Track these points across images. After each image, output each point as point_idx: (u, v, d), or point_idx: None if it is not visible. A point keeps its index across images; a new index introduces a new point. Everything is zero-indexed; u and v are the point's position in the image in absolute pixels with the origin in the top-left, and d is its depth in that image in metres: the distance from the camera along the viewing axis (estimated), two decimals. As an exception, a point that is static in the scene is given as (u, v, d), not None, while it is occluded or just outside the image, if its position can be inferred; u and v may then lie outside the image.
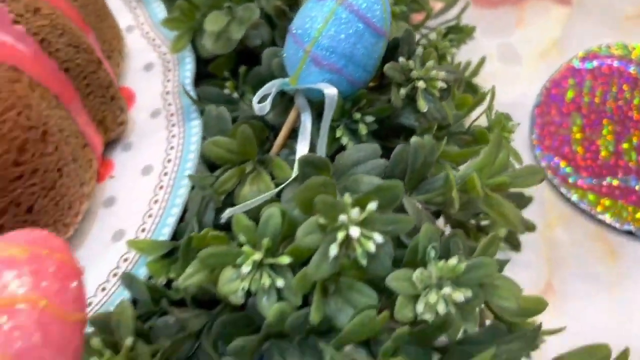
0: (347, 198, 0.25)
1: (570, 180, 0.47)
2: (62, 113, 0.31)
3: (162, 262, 0.31)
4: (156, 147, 0.36)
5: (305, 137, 0.31)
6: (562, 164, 0.48)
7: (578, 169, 0.48)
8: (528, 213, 0.38)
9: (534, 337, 0.29)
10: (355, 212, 0.25)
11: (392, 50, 0.32)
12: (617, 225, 0.45)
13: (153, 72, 0.40)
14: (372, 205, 0.25)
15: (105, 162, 0.36)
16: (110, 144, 0.37)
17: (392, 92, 0.31)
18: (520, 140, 0.50)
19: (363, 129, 0.31)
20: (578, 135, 0.50)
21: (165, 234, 0.32)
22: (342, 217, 0.25)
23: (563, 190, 0.47)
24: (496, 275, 0.28)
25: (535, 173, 0.28)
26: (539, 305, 0.31)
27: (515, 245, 0.42)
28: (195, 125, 0.36)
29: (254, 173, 0.32)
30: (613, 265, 0.44)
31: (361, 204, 0.25)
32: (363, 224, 0.25)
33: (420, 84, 0.30)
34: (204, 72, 0.40)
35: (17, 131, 0.27)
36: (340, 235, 0.25)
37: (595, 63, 0.55)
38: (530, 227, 0.42)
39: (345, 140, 0.32)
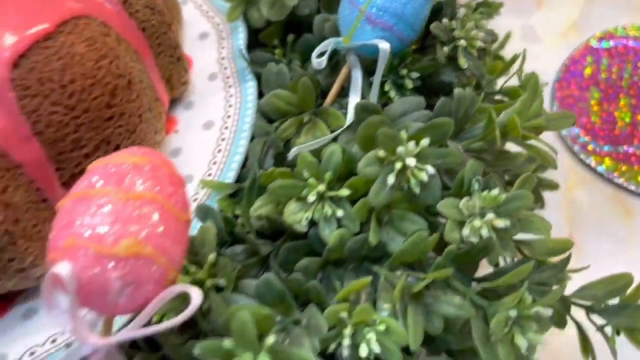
0: (403, 134, 0.29)
1: (589, 147, 0.51)
2: (140, 67, 0.34)
3: (229, 200, 0.35)
4: (215, 105, 0.40)
5: (356, 91, 0.35)
6: (582, 133, 0.52)
7: (596, 137, 0.52)
8: (550, 176, 0.42)
9: (563, 266, 0.32)
10: (411, 145, 0.28)
11: (435, 14, 0.35)
12: (633, 188, 0.48)
13: (208, 40, 0.44)
14: (425, 141, 0.29)
15: (170, 118, 0.40)
16: (172, 103, 0.41)
17: (437, 49, 0.34)
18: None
19: (409, 84, 0.35)
20: (596, 108, 0.54)
21: (230, 177, 0.36)
22: (400, 149, 0.28)
23: (582, 156, 0.50)
24: (530, 212, 0.32)
25: (568, 117, 0.31)
26: (565, 245, 0.34)
27: (540, 203, 0.45)
28: (251, 86, 0.40)
29: (309, 124, 0.35)
30: (629, 224, 0.47)
31: (415, 139, 0.29)
32: (417, 156, 0.29)
33: (462, 43, 0.34)
34: (253, 43, 0.44)
35: (109, 77, 0.31)
36: (398, 165, 0.28)
37: (611, 43, 0.59)
38: (553, 186, 0.45)
39: (392, 94, 0.35)
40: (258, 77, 0.41)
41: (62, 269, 0.20)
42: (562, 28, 0.60)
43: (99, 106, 0.30)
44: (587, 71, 0.56)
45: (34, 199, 0.29)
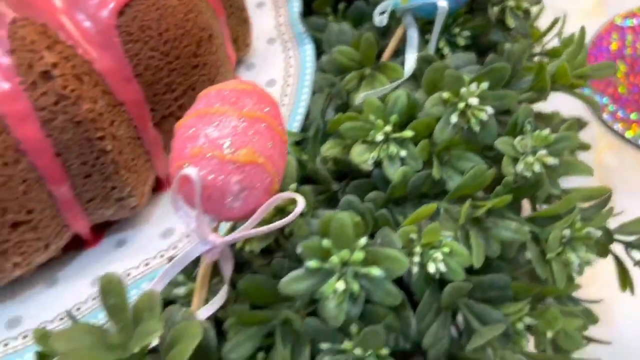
0: (466, 76, 0.32)
1: (618, 115, 0.54)
2: (217, 24, 0.38)
3: (296, 147, 0.38)
4: (276, 66, 0.43)
5: (413, 48, 0.38)
6: (609, 102, 0.55)
7: (623, 106, 0.55)
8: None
9: (603, 204, 0.35)
10: (473, 86, 0.32)
11: (485, -22, 0.39)
12: (659, 152, 0.52)
13: (264, 9, 0.48)
14: (484, 84, 0.32)
15: (234, 77, 0.43)
16: (235, 64, 0.44)
17: (488, 9, 0.37)
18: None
19: (461, 42, 0.38)
20: (623, 80, 0.57)
21: (294, 128, 0.39)
22: (463, 90, 0.32)
23: (611, 123, 0.54)
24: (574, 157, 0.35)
25: (610, 66, 0.34)
26: (602, 191, 0.37)
27: (573, 162, 0.48)
28: (309, 49, 0.43)
29: (369, 77, 0.39)
30: (656, 185, 0.51)
31: (476, 81, 0.32)
32: (478, 97, 0.32)
33: (510, 3, 0.37)
34: (305, 12, 0.47)
35: (196, 29, 0.34)
36: (461, 105, 0.32)
37: (635, 21, 0.62)
38: (586, 147, 0.48)
39: (445, 50, 0.38)
40: (314, 41, 0.44)
41: (191, 171, 0.24)
42: (589, 7, 0.64)
43: (187, 54, 0.34)
44: (613, 46, 0.60)
45: (132, 135, 0.33)
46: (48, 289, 0.33)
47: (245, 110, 0.25)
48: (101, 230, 0.36)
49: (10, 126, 0.28)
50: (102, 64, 0.31)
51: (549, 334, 0.32)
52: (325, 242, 0.25)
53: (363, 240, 0.26)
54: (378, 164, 0.34)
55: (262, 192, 0.25)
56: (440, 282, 0.31)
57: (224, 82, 0.27)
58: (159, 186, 0.37)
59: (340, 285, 0.25)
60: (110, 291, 0.22)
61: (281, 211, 0.32)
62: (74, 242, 0.35)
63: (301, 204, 0.25)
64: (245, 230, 0.25)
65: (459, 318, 0.32)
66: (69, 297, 0.33)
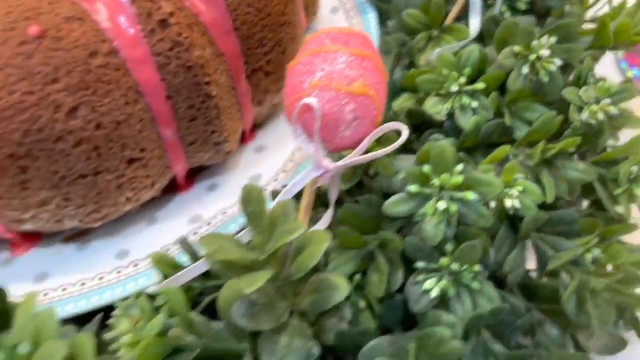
0: (535, 31, 0.35)
1: (654, 86, 0.57)
2: (295, -10, 0.41)
3: (369, 102, 0.41)
4: (341, 33, 0.46)
5: (476, 12, 0.41)
6: (646, 75, 0.58)
7: (659, 79, 0.58)
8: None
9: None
10: (544, 39, 0.34)
11: (544, -53, 0.42)
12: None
13: (325, -19, 0.51)
14: (552, 39, 0.35)
15: (302, 43, 0.46)
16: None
17: (548, -26, 0.40)
18: (609, 56, 0.60)
19: (521, 6, 0.41)
20: (657, 55, 0.60)
21: (365, 86, 0.42)
22: (534, 42, 0.35)
23: (648, 93, 0.57)
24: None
25: (666, 25, 0.37)
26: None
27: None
28: (372, 17, 0.46)
29: (435, 39, 0.42)
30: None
31: (546, 34, 0.35)
32: (548, 49, 0.35)
33: (569, -31, 0.40)
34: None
35: (284, -9, 0.37)
36: (532, 57, 0.35)
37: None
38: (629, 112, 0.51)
39: (507, 14, 0.41)
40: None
41: (311, 101, 0.27)
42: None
43: (277, 12, 0.37)
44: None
45: (229, 84, 0.36)
46: (149, 226, 0.36)
47: (355, 48, 0.28)
48: (192, 176, 0.39)
49: (131, 69, 0.31)
50: (207, 16, 0.34)
51: (610, 268, 0.34)
52: (426, 168, 0.28)
53: (460, 166, 0.29)
54: (450, 115, 0.37)
55: (370, 122, 0.28)
56: (512, 219, 0.33)
57: (331, 27, 0.30)
58: (242, 138, 0.40)
59: (441, 205, 0.28)
60: (251, 200, 0.25)
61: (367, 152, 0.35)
62: (168, 187, 0.38)
63: (405, 132, 0.28)
64: (354, 157, 0.28)
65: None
66: (169, 233, 0.36)
